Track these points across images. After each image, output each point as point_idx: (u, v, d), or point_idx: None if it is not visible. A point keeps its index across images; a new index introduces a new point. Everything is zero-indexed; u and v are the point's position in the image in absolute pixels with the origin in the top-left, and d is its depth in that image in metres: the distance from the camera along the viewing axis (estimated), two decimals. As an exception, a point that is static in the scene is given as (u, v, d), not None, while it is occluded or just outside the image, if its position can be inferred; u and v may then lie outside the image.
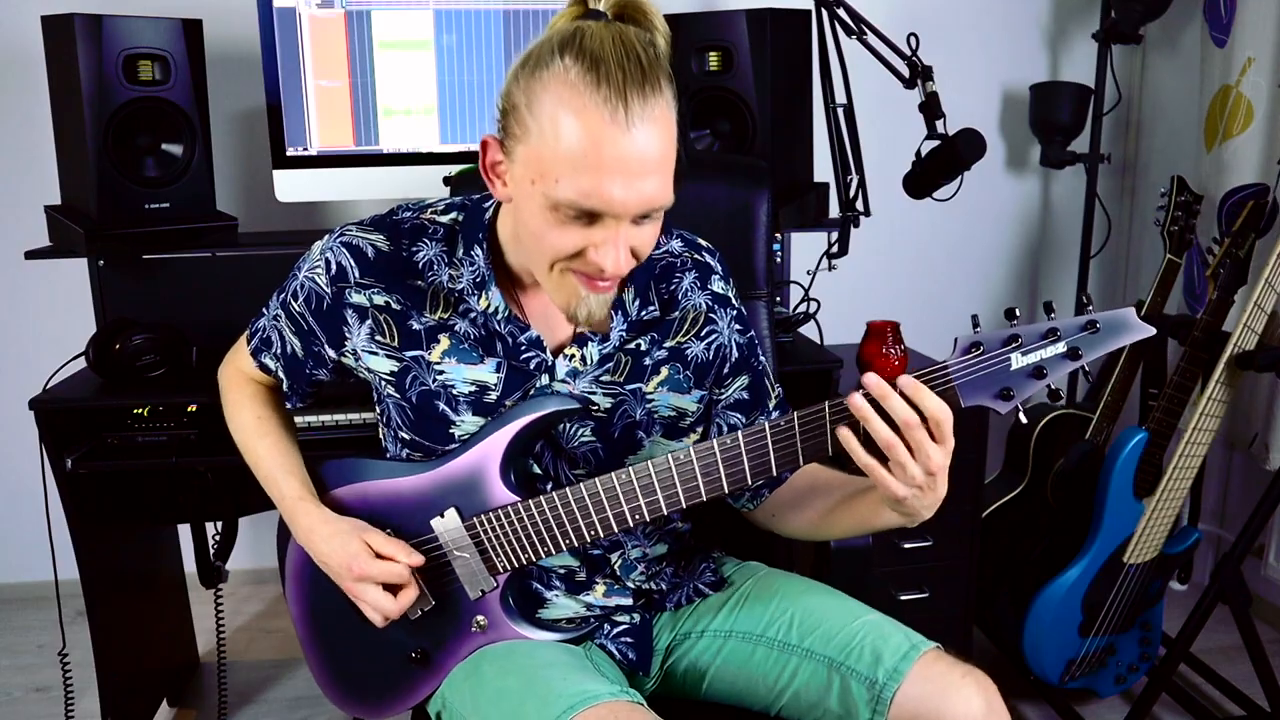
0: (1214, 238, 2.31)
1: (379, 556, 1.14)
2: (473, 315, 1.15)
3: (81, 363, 1.82)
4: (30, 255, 1.92)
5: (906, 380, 0.97)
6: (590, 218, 0.99)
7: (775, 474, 1.06)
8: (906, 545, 2.06)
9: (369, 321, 1.15)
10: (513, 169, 1.02)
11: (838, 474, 1.21)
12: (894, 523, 1.09)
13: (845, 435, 1.00)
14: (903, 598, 2.08)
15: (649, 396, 1.19)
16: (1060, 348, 0.99)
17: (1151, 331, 1.00)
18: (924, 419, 0.97)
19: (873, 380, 0.97)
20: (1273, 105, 2.21)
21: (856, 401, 0.98)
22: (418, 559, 1.15)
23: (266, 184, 2.03)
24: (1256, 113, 2.23)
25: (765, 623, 1.21)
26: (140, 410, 1.75)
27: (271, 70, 1.94)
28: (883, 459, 1.00)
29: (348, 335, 1.17)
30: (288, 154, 1.98)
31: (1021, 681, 2.10)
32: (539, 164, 0.98)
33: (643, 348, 1.19)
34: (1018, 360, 1.00)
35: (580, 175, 0.96)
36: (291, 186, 2.01)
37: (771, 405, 1.29)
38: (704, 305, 1.23)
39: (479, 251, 1.14)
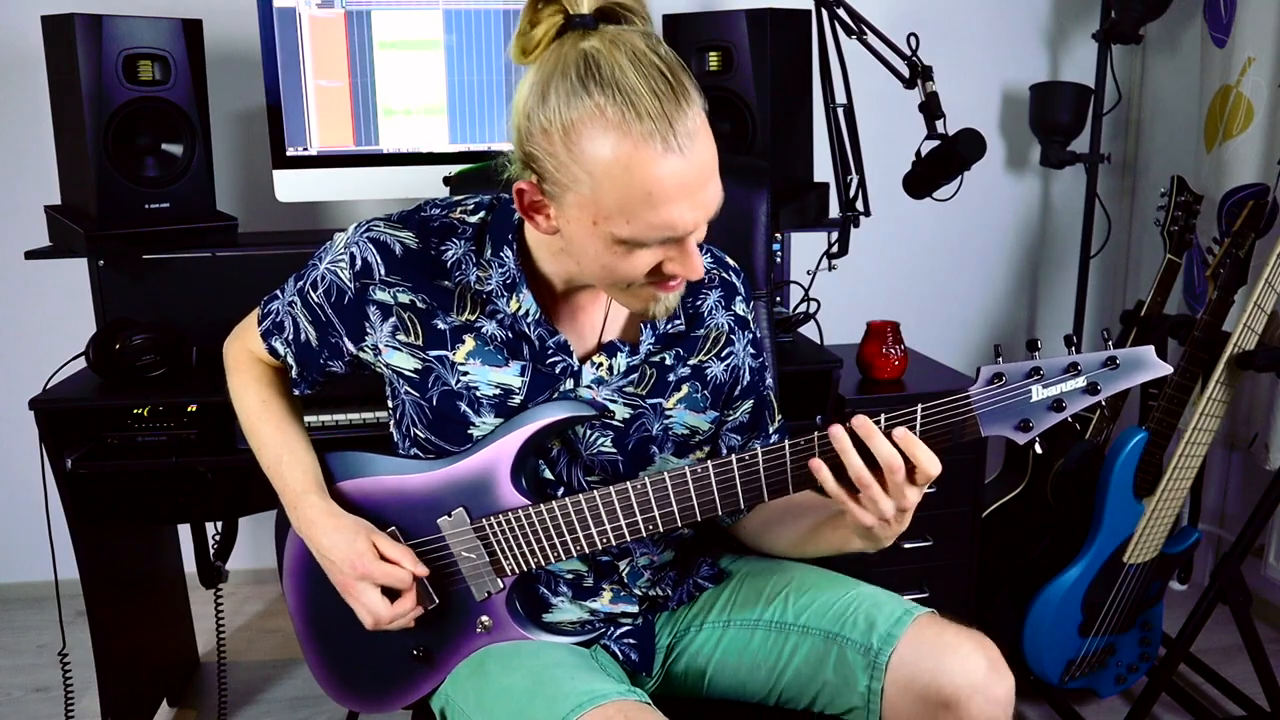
0: (1214, 238, 2.31)
1: (383, 559, 1.14)
2: (500, 317, 1.14)
3: (81, 363, 1.82)
4: (30, 255, 1.92)
5: (901, 433, 1.00)
6: (662, 241, 0.99)
7: (767, 499, 1.08)
8: (906, 545, 2.06)
9: (393, 319, 1.14)
10: (564, 212, 1.00)
11: (813, 495, 1.21)
12: (860, 549, 1.12)
13: (816, 465, 1.03)
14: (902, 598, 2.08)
15: (668, 413, 1.19)
16: (1080, 382, 1.02)
17: (1169, 370, 1.02)
18: (909, 465, 1.00)
19: (860, 422, 1.00)
20: (1273, 105, 2.21)
21: (836, 433, 1.01)
22: (423, 569, 1.15)
23: (266, 184, 2.03)
24: (1256, 113, 2.23)
25: (761, 606, 1.22)
26: (140, 410, 1.75)
27: (271, 70, 1.94)
28: (853, 490, 1.02)
29: (369, 330, 1.16)
30: (288, 154, 1.98)
31: (1021, 681, 2.09)
32: (598, 208, 0.96)
33: (667, 362, 1.19)
34: (1038, 392, 1.02)
35: (647, 212, 0.95)
36: (291, 186, 2.01)
37: (771, 430, 1.30)
38: (726, 326, 1.23)
39: (509, 253, 1.13)
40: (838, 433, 1.01)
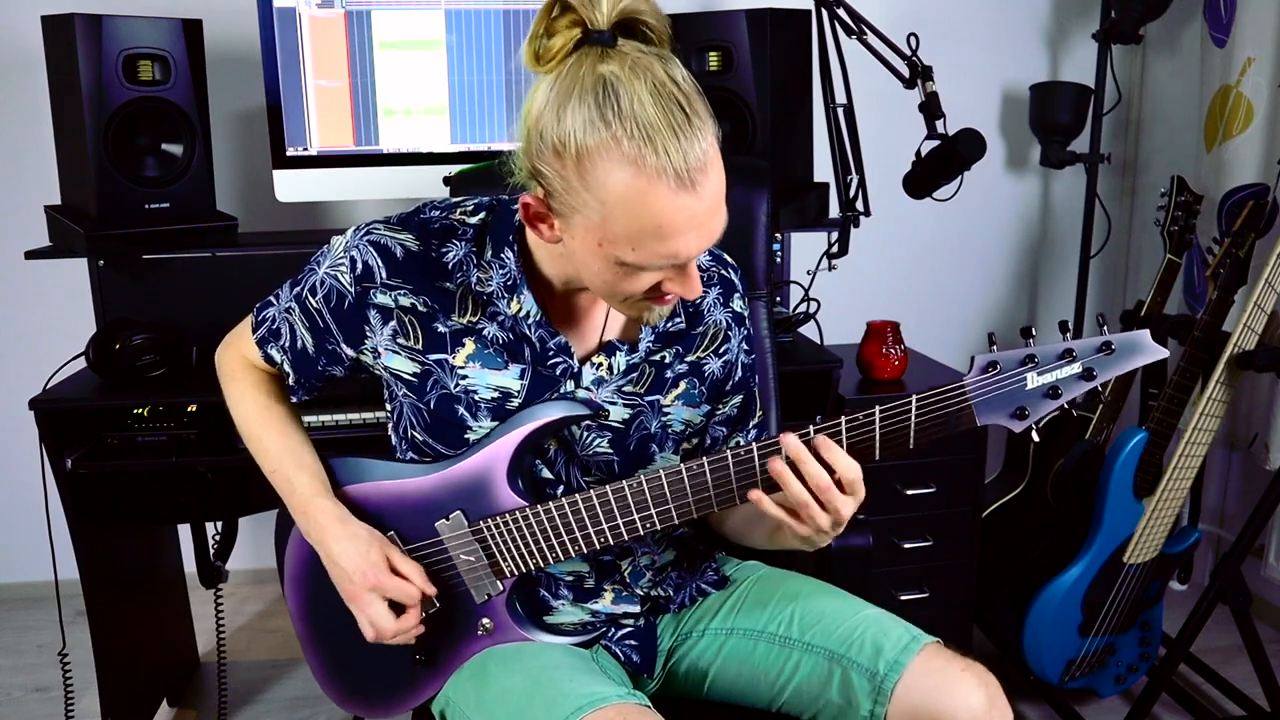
0: (1214, 238, 2.31)
1: (395, 573, 1.14)
2: (501, 318, 1.13)
3: (81, 363, 1.82)
4: (30, 255, 1.92)
5: (822, 440, 1.02)
6: (664, 267, 1.00)
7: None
8: (906, 545, 2.06)
9: (393, 322, 1.13)
10: (570, 229, 1.00)
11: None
12: (796, 546, 1.13)
13: (756, 496, 1.04)
14: (903, 598, 2.08)
15: (665, 409, 1.19)
16: (1076, 368, 1.01)
17: (1165, 354, 1.02)
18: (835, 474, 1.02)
19: (790, 442, 1.02)
20: (1273, 105, 2.21)
21: (777, 468, 1.02)
22: (431, 589, 1.15)
23: (266, 184, 2.03)
24: (1256, 113, 2.23)
25: (766, 619, 1.22)
26: (140, 410, 1.75)
27: (271, 70, 1.93)
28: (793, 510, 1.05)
29: (368, 334, 1.15)
30: (288, 154, 1.98)
31: (1021, 681, 2.10)
32: (605, 234, 0.97)
33: (666, 359, 1.19)
34: (1034, 380, 1.02)
35: (655, 243, 0.96)
36: (291, 186, 2.01)
37: (751, 424, 1.30)
38: (724, 322, 1.24)
39: (509, 254, 1.12)
40: (779, 467, 1.02)
